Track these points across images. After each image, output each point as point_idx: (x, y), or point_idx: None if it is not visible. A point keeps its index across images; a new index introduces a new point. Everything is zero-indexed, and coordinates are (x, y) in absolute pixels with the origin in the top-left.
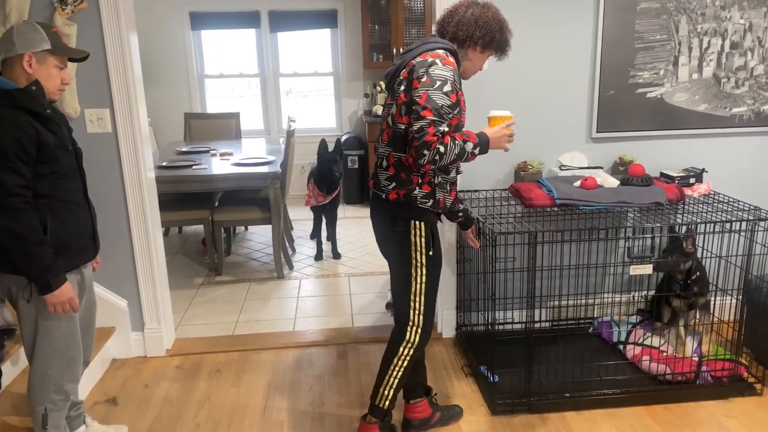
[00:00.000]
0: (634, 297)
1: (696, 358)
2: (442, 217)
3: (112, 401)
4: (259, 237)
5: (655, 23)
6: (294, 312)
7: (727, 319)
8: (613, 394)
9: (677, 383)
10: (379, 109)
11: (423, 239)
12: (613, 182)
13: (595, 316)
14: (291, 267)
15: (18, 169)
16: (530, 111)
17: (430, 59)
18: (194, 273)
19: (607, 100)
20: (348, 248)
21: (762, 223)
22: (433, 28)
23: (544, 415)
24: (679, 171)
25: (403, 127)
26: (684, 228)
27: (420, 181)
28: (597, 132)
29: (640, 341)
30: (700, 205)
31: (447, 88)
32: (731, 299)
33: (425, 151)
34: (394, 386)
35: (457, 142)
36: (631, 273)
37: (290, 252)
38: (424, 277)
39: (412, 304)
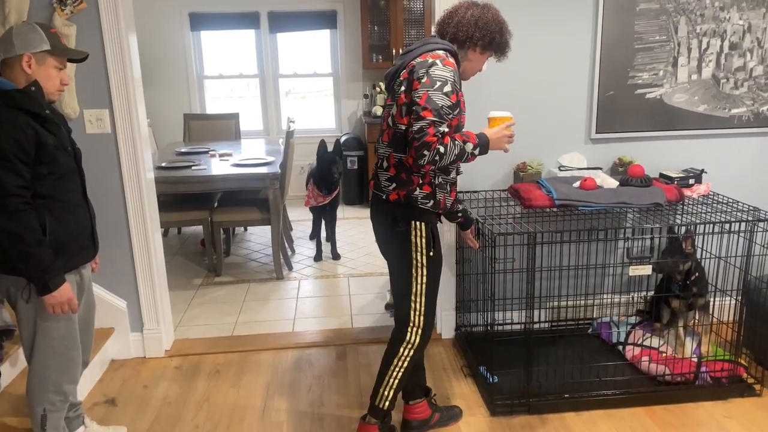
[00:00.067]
0: (633, 298)
1: (695, 359)
2: (442, 217)
3: (111, 402)
4: (258, 238)
5: (654, 24)
6: (293, 313)
7: (727, 319)
8: (613, 395)
9: (676, 384)
10: (378, 110)
11: (423, 240)
12: (612, 183)
13: (594, 316)
14: (290, 268)
15: (17, 169)
16: (530, 112)
17: (430, 60)
18: (193, 274)
19: (606, 100)
20: (347, 249)
21: (761, 224)
22: (433, 29)
23: (543, 416)
24: (678, 172)
25: (403, 127)
26: (683, 229)
27: (421, 181)
28: (596, 133)
29: (639, 342)
30: (700, 206)
31: (447, 88)
32: (730, 300)
33: (425, 152)
34: (394, 387)
35: (457, 142)
36: (630, 274)
37: (289, 253)
38: (424, 278)
39: (412, 304)
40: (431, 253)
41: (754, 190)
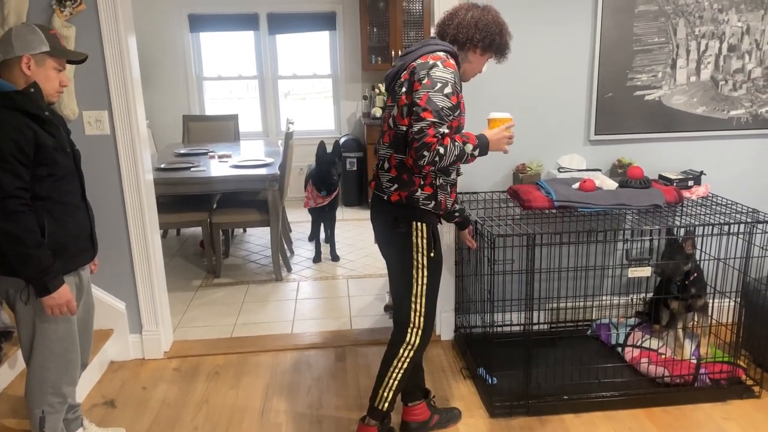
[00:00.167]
0: (632, 299)
1: (694, 361)
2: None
3: (110, 404)
4: (257, 239)
5: (653, 26)
6: (292, 314)
7: (726, 321)
8: (612, 397)
9: (675, 386)
10: (377, 112)
11: (425, 241)
12: (611, 184)
13: (593, 318)
14: (289, 269)
15: (16, 171)
16: (529, 113)
17: (431, 61)
18: (192, 275)
19: (605, 102)
20: (346, 250)
21: (760, 226)
22: (433, 30)
23: (542, 418)
24: (677, 173)
25: (404, 128)
26: (682, 231)
27: (422, 182)
28: (595, 134)
29: (638, 343)
30: (699, 208)
31: (448, 90)
32: (729, 302)
33: (425, 153)
34: (394, 388)
35: (456, 143)
36: (629, 275)
37: (289, 254)
38: (425, 279)
39: (413, 305)
40: (432, 254)
41: (753, 192)
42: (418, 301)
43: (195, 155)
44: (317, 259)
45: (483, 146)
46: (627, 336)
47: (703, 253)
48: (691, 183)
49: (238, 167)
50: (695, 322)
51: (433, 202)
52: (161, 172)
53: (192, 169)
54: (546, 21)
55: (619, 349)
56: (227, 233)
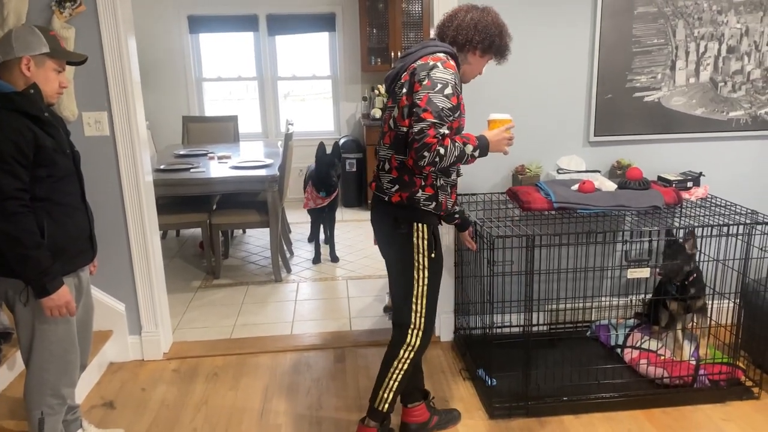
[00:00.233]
0: (631, 300)
1: (693, 362)
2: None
3: (109, 405)
4: (256, 240)
5: (652, 27)
6: (292, 315)
7: (725, 322)
8: (611, 398)
9: (675, 387)
10: (377, 113)
11: (425, 241)
12: (610, 186)
13: (592, 319)
14: (289, 270)
15: (15, 172)
16: (528, 114)
17: (431, 62)
18: (192, 276)
19: (604, 103)
20: (346, 251)
21: (759, 227)
22: (432, 32)
23: (541, 419)
24: (676, 174)
25: (405, 129)
26: (682, 232)
27: (423, 183)
28: (595, 136)
29: (637, 345)
30: (698, 209)
31: (448, 91)
32: (728, 303)
33: (425, 153)
34: (394, 389)
35: (457, 144)
36: (628, 276)
37: (288, 255)
38: (426, 280)
39: (413, 306)
40: (433, 255)
41: (752, 193)
42: (419, 302)
43: (194, 156)
44: (317, 260)
45: (483, 147)
46: (626, 337)
47: (702, 254)
48: (690, 184)
49: (238, 168)
50: (694, 323)
51: (434, 203)
52: (161, 173)
53: (191, 170)
54: (545, 22)
55: (619, 350)
56: (227, 234)
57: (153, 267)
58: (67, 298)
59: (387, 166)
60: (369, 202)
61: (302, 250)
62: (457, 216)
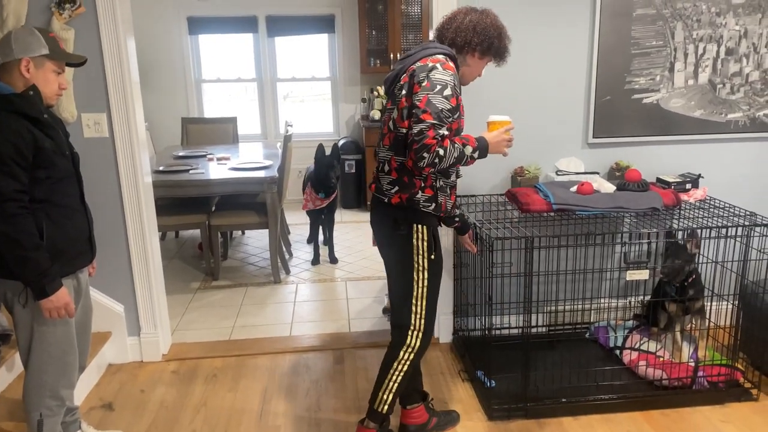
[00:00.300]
0: (630, 302)
1: (692, 364)
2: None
3: (108, 406)
4: (255, 241)
5: (651, 29)
6: (291, 317)
7: (724, 324)
8: (610, 400)
9: (674, 388)
10: (376, 114)
11: (425, 243)
12: (609, 187)
13: (591, 321)
14: (288, 271)
15: (14, 173)
16: (527, 116)
17: (430, 64)
18: (191, 277)
19: (603, 105)
20: (345, 253)
21: (758, 229)
22: (432, 34)
23: (540, 421)
24: (675, 176)
25: (404, 131)
26: (681, 232)
27: (423, 184)
28: (593, 137)
29: (636, 346)
30: (696, 211)
31: (447, 92)
32: (727, 304)
33: (425, 154)
34: (394, 390)
35: (456, 145)
36: (627, 278)
37: (287, 256)
38: (426, 281)
39: (413, 308)
40: (432, 256)
41: (750, 195)
42: (419, 303)
43: (194, 158)
44: (316, 261)
45: (482, 148)
46: (625, 339)
47: (701, 256)
48: (688, 186)
49: (237, 170)
50: (693, 325)
51: (434, 204)
52: (160, 175)
53: (191, 171)
54: (544, 24)
55: (617, 351)
56: (226, 235)
57: (152, 268)
58: (66, 299)
59: (386, 168)
60: (368, 203)
61: (301, 252)
62: (456, 219)
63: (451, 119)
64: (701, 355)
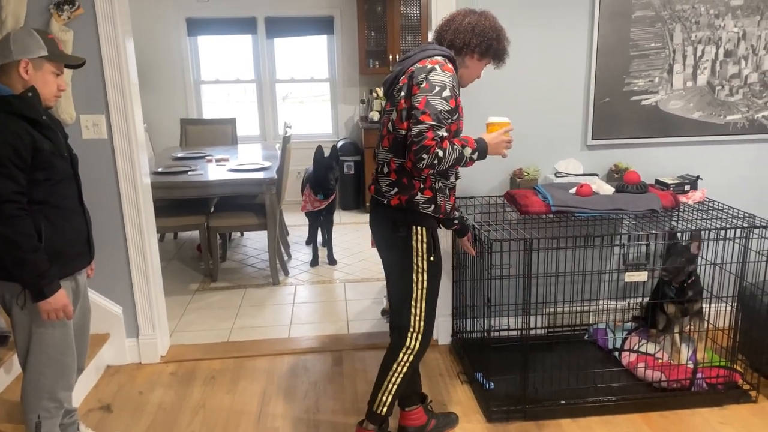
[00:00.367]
0: (629, 304)
1: (691, 365)
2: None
3: (107, 408)
4: (254, 243)
5: (649, 31)
6: (289, 318)
7: (722, 326)
8: (609, 401)
9: (672, 390)
10: (375, 115)
11: (424, 245)
12: (608, 189)
13: (590, 323)
14: (286, 273)
15: (13, 175)
16: (526, 118)
17: (429, 65)
18: (189, 279)
19: (602, 107)
20: (344, 254)
21: (756, 231)
22: (431, 35)
23: (539, 422)
24: (673, 178)
25: (403, 132)
26: (681, 234)
27: (422, 186)
28: (592, 139)
29: (635, 348)
30: (695, 213)
31: (446, 93)
32: (726, 306)
33: (424, 155)
34: (393, 392)
35: (455, 147)
36: (626, 280)
37: (286, 258)
38: (425, 283)
39: (413, 310)
40: (432, 258)
41: (749, 197)
42: (418, 305)
43: (192, 159)
44: (314, 262)
45: (482, 150)
46: (624, 340)
47: (700, 258)
48: (687, 188)
49: (236, 171)
50: (692, 327)
51: (433, 206)
52: (159, 176)
53: (189, 172)
54: (543, 26)
55: (616, 353)
56: (224, 237)
57: (150, 270)
58: (65, 301)
59: (386, 169)
60: (367, 204)
61: (300, 253)
62: (456, 221)
63: (450, 120)
64: (700, 356)
